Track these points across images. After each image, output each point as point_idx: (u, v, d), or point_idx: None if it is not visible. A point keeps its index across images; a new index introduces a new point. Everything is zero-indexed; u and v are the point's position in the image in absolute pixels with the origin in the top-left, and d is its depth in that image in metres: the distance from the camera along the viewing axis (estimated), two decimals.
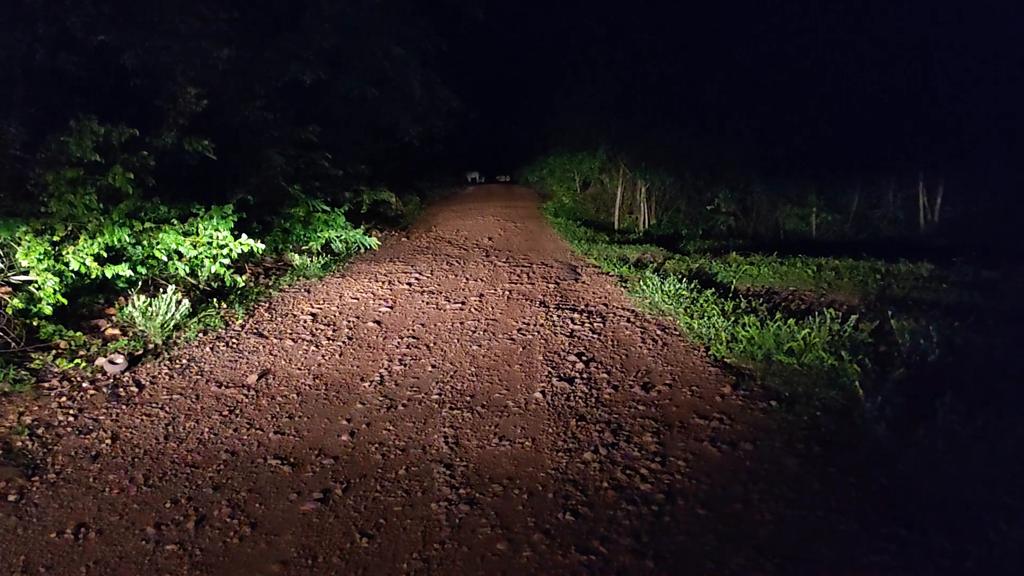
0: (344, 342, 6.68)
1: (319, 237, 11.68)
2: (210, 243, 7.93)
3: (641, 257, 11.44)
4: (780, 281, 9.09)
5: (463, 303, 8.11)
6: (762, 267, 9.77)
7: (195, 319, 7.14)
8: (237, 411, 5.00)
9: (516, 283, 9.22)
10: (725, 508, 3.52)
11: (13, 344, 5.83)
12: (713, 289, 7.96)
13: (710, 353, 6.00)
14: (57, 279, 6.30)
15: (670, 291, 7.81)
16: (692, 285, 8.10)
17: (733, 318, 6.66)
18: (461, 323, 7.27)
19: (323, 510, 3.62)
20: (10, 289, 6.10)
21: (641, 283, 8.44)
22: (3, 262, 6.18)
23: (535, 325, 7.10)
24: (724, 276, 9.42)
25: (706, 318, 6.73)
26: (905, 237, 16.67)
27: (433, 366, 5.95)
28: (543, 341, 6.57)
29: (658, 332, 6.74)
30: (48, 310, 6.20)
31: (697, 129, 18.30)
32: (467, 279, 9.57)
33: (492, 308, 7.86)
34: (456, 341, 6.66)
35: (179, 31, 8.00)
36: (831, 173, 18.06)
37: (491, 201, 22.31)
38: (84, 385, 5.38)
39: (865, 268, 9.56)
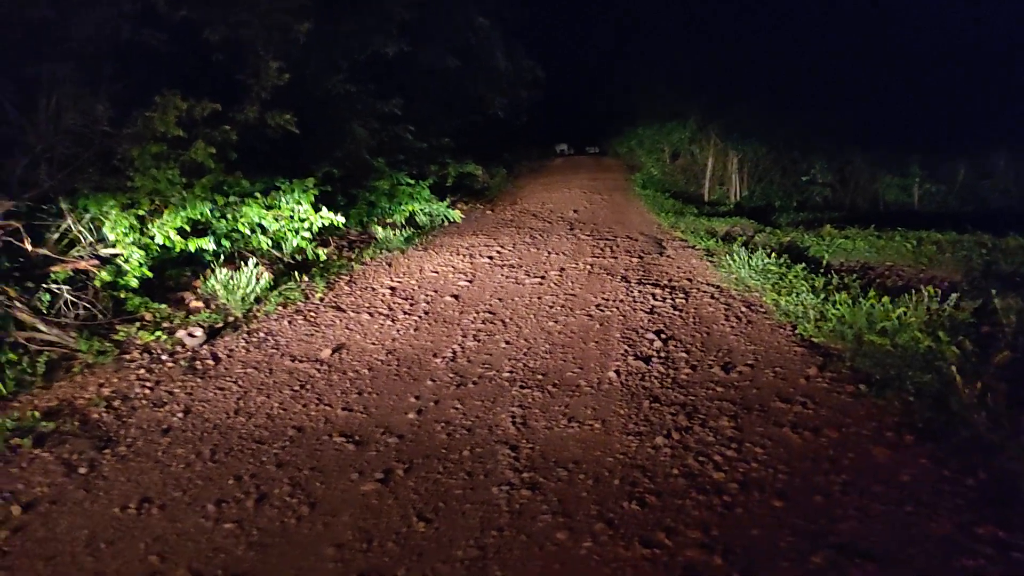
0: (420, 316, 6.60)
1: (403, 210, 11.70)
2: (292, 216, 7.99)
3: (730, 230, 10.93)
4: (876, 256, 8.49)
5: (543, 277, 7.91)
6: (857, 241, 9.16)
7: (276, 292, 7.21)
8: (308, 386, 4.98)
9: (598, 257, 8.94)
10: (804, 501, 3.22)
11: (100, 316, 6.00)
12: (804, 264, 7.47)
13: (797, 332, 5.61)
14: (143, 252, 6.45)
15: (757, 266, 7.38)
16: (782, 260, 7.64)
17: (823, 295, 6.20)
18: (539, 298, 7.08)
19: (383, 491, 3.51)
20: (98, 262, 6.26)
21: (728, 257, 8.02)
22: (92, 236, 6.35)
23: (615, 301, 6.84)
24: (816, 250, 8.89)
25: (794, 295, 6.29)
26: (1016, 210, 15.46)
27: (507, 342, 5.79)
28: (622, 317, 6.31)
29: (743, 309, 6.37)
30: (134, 283, 6.36)
31: (791, 98, 17.50)
32: (549, 253, 9.35)
33: (572, 283, 7.63)
34: (532, 317, 6.48)
35: (258, 5, 8.01)
36: (935, 142, 16.96)
37: (579, 173, 21.92)
38: (163, 358, 5.48)
39: (970, 242, 8.82)
